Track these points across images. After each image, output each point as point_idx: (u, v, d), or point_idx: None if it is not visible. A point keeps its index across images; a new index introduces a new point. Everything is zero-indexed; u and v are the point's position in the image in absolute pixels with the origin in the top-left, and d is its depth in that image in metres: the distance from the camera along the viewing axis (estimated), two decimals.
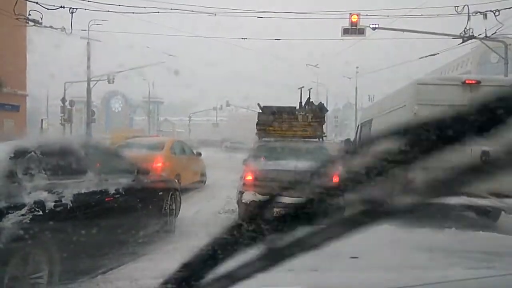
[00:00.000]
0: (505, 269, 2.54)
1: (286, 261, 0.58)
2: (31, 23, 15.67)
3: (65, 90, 28.19)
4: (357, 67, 37.30)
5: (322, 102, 10.19)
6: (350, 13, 14.55)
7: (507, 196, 6.54)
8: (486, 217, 7.28)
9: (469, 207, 6.76)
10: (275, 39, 18.99)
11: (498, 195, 6.57)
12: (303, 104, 8.63)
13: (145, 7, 14.08)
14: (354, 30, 14.57)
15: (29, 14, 14.93)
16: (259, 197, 6.02)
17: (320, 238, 0.56)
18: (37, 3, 13.06)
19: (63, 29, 16.78)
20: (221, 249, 0.62)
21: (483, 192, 6.62)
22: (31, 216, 3.15)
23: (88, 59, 22.84)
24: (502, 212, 7.23)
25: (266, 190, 6.11)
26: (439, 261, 2.82)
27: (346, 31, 14.69)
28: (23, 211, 3.13)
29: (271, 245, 0.58)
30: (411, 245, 3.35)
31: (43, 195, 3.38)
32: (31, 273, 3.14)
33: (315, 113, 8.10)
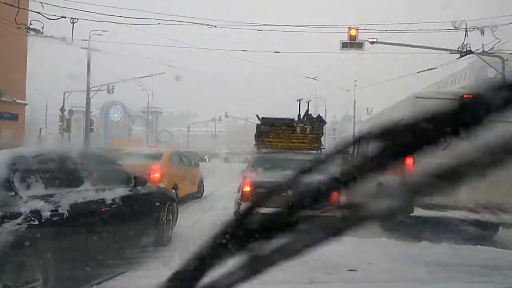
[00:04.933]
0: (503, 283, 2.52)
1: (269, 269, 0.58)
2: (32, 33, 15.78)
3: (64, 99, 28.24)
4: (355, 81, 37.48)
5: (321, 115, 10.22)
6: (349, 27, 14.71)
7: (505, 210, 6.54)
8: (484, 231, 7.26)
9: (468, 221, 6.74)
10: (275, 52, 19.14)
11: (497, 209, 6.57)
12: (301, 116, 8.65)
13: (146, 18, 14.19)
14: (352, 44, 14.71)
15: (31, 24, 15.04)
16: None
17: (301, 244, 0.56)
18: (38, 13, 13.18)
19: (64, 39, 16.91)
20: (207, 258, 0.62)
21: (482, 205, 6.62)
22: (27, 225, 3.13)
23: (88, 69, 22.93)
24: (500, 227, 7.22)
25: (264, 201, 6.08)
26: (437, 275, 2.80)
27: (345, 45, 14.83)
28: (19, 220, 3.11)
29: (252, 253, 0.58)
30: (409, 259, 3.33)
31: (39, 204, 3.36)
32: (26, 283, 3.10)
33: (314, 125, 8.12)
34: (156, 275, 1.76)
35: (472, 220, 6.65)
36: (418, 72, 18.08)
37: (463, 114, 0.48)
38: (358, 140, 0.56)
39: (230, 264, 0.60)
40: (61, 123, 27.42)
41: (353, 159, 0.55)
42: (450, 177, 0.48)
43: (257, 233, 0.58)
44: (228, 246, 0.60)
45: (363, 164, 0.53)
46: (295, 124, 8.12)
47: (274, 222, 0.58)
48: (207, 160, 36.65)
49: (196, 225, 7.53)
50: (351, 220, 0.54)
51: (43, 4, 12.92)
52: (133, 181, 5.11)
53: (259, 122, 8.37)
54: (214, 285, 0.61)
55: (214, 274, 0.62)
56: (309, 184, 0.58)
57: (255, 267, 0.59)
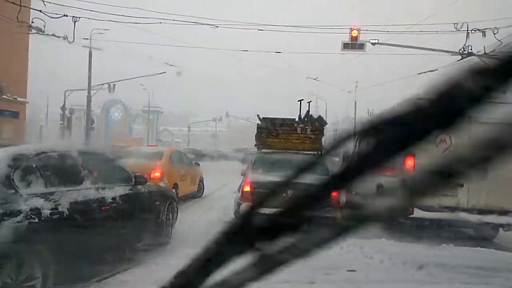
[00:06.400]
0: (502, 285, 2.53)
1: (279, 268, 0.58)
2: (33, 31, 15.79)
3: (65, 98, 28.24)
4: (356, 81, 37.39)
5: (321, 115, 10.22)
6: (351, 28, 14.70)
7: (505, 212, 6.54)
8: (484, 233, 7.26)
9: (468, 223, 6.74)
10: (276, 52, 19.15)
11: (497, 211, 6.57)
12: (302, 116, 8.64)
13: (147, 18, 14.17)
14: (354, 44, 14.70)
15: (32, 22, 15.04)
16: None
17: (307, 245, 0.56)
18: (40, 11, 13.17)
19: (65, 37, 16.90)
20: (214, 257, 0.62)
21: (482, 207, 6.61)
22: (27, 223, 3.14)
23: (89, 67, 22.91)
24: (500, 229, 7.22)
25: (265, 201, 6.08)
26: (437, 276, 2.80)
27: (346, 46, 14.82)
28: (19, 217, 3.11)
29: (260, 252, 0.58)
30: (408, 259, 3.33)
31: (39, 202, 3.36)
32: (26, 280, 3.11)
33: (314, 125, 8.12)
34: (154, 272, 1.77)
35: (472, 221, 6.65)
36: (419, 74, 18.06)
37: (445, 107, 0.47)
38: (358, 137, 0.56)
39: (238, 263, 0.60)
40: (62, 122, 27.44)
41: (351, 158, 0.54)
42: (447, 175, 0.47)
43: (263, 232, 0.58)
44: (235, 245, 0.60)
45: (358, 163, 0.53)
46: (295, 124, 8.12)
47: (278, 222, 0.58)
48: None
49: (196, 224, 7.53)
50: (353, 220, 0.54)
51: (45, 2, 12.92)
52: (133, 180, 5.11)
53: (259, 122, 8.38)
54: (221, 284, 0.61)
55: (220, 273, 0.62)
56: (309, 185, 0.58)
57: (263, 266, 0.59)
